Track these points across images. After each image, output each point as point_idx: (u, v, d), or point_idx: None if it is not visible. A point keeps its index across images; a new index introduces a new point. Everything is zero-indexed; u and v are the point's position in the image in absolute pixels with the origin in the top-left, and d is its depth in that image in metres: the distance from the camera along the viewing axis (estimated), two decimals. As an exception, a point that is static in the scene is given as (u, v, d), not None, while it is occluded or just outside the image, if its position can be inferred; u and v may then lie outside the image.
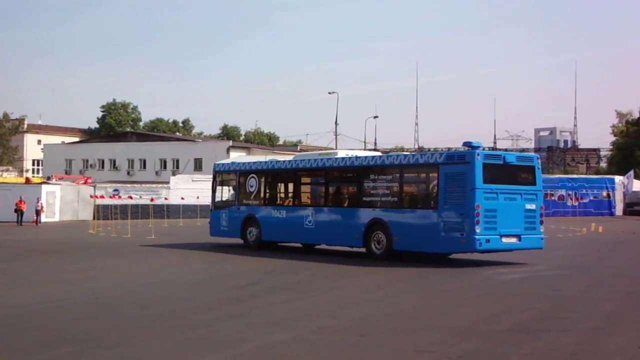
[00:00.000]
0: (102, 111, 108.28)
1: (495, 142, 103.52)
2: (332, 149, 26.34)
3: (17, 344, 9.37)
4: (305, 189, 23.58)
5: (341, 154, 22.67)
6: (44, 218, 43.19)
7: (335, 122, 64.00)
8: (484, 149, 18.68)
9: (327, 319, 11.07)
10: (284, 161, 24.43)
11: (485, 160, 17.97)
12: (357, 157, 21.61)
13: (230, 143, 77.91)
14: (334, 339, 9.64)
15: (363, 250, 20.31)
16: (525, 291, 14.30)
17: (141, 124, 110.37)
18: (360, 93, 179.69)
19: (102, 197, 44.65)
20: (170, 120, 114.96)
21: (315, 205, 22.19)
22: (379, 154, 25.10)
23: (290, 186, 23.82)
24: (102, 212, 42.58)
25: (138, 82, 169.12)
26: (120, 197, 45.55)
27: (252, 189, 23.80)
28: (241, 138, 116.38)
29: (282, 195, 24.19)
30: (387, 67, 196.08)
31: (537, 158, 19.86)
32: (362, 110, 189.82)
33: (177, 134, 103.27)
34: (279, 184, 24.40)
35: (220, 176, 25.25)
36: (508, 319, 11.11)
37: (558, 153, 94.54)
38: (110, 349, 9.10)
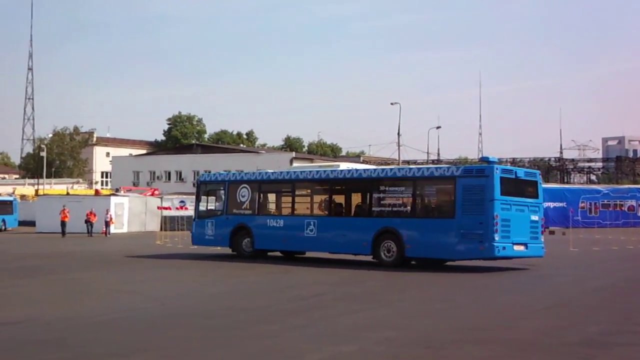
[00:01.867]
0: (168, 124, 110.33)
1: (561, 152, 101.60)
2: (336, 162, 27.20)
3: (87, 354, 9.58)
4: (306, 199, 24.54)
5: (343, 166, 24.05)
6: (112, 229, 44.17)
7: (398, 133, 63.71)
8: (499, 164, 20.89)
9: (392, 330, 11.00)
10: (281, 172, 24.82)
11: (502, 174, 19.74)
12: (365, 170, 23.42)
13: (293, 154, 78.45)
14: (399, 351, 9.58)
15: (368, 258, 21.75)
16: (593, 304, 13.98)
17: (206, 136, 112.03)
18: (423, 103, 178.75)
19: (168, 208, 45.34)
20: (235, 132, 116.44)
21: (318, 214, 23.32)
22: (372, 167, 26.21)
23: (288, 196, 24.38)
24: (169, 223, 43.30)
25: (203, 95, 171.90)
26: (186, 208, 46.15)
27: (243, 199, 24.64)
28: (304, 149, 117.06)
29: (279, 205, 24.93)
30: (449, 77, 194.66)
31: (539, 174, 21.94)
32: (425, 121, 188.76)
33: (241, 145, 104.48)
34: (276, 195, 25.28)
35: (205, 186, 26.13)
36: (576, 332, 10.86)
37: (627, 163, 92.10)
38: (176, 359, 9.25)
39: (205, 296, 15.58)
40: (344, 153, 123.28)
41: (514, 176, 20.23)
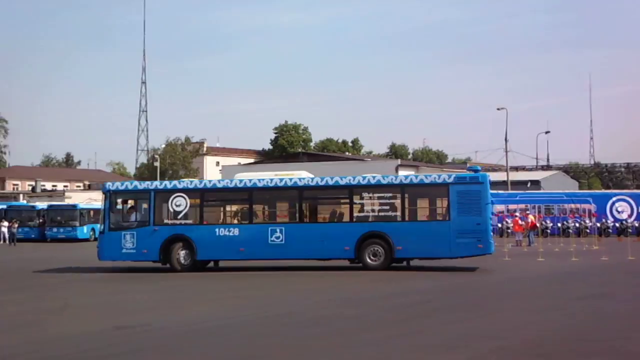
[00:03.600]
0: (275, 133, 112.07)
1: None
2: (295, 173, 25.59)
3: None
4: (267, 207, 24.31)
5: (304, 174, 24.16)
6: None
7: (505, 139, 62.40)
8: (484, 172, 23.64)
9: (500, 340, 10.90)
10: (231, 181, 23.94)
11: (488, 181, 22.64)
12: (342, 178, 23.37)
13: (399, 162, 78.26)
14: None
15: (341, 262, 22.86)
16: None
17: (312, 144, 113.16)
18: (531, 108, 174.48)
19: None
20: (340, 140, 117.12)
21: (287, 221, 23.32)
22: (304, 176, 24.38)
23: (243, 205, 23.85)
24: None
25: (308, 104, 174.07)
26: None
27: (179, 209, 23.31)
28: (409, 156, 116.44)
29: (230, 214, 24.48)
30: (557, 80, 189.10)
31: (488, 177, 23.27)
32: (533, 126, 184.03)
33: (347, 153, 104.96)
34: (225, 204, 24.65)
35: (117, 196, 23.85)
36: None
37: None
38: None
39: (310, 304, 15.76)
40: (449, 160, 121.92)
41: (489, 183, 22.89)
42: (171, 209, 23.37)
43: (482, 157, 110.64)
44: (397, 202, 22.71)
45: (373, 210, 22.79)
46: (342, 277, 21.25)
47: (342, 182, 23.19)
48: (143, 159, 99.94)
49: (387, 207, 22.73)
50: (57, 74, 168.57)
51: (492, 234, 22.58)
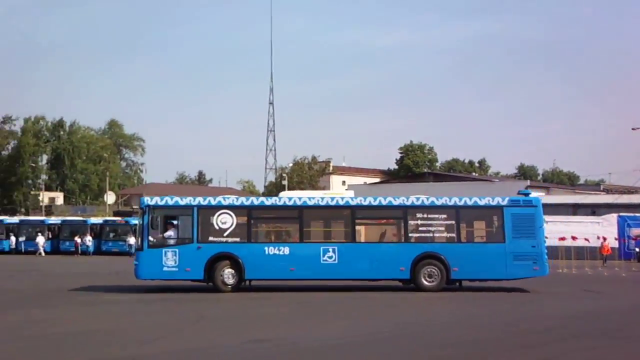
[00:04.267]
0: (401, 153, 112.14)
1: None
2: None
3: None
4: (318, 225, 23.90)
5: (351, 194, 24.06)
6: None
7: (643, 160, 59.71)
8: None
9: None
10: (280, 199, 23.75)
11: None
12: (395, 198, 23.40)
13: (528, 182, 76.38)
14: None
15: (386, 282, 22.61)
16: None
17: (437, 164, 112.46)
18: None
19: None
20: (466, 161, 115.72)
21: (340, 241, 22.90)
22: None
23: (292, 224, 23.34)
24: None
25: (434, 123, 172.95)
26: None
27: (225, 226, 22.53)
28: (538, 178, 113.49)
29: (280, 232, 23.99)
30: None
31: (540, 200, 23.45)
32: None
33: (473, 174, 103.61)
34: (274, 222, 24.27)
35: (157, 212, 22.63)
36: None
37: None
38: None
39: (437, 324, 15.76)
40: (582, 181, 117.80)
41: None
42: (216, 226, 22.56)
43: (617, 178, 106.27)
44: (452, 223, 22.80)
45: (427, 231, 22.78)
46: (424, 299, 20.98)
47: (396, 202, 23.25)
48: (271, 177, 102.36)
49: (442, 228, 22.79)
50: (189, 95, 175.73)
51: (546, 257, 22.76)
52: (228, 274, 22.24)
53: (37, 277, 30.54)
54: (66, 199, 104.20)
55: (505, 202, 22.76)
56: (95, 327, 15.11)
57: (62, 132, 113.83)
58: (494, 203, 22.84)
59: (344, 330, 14.57)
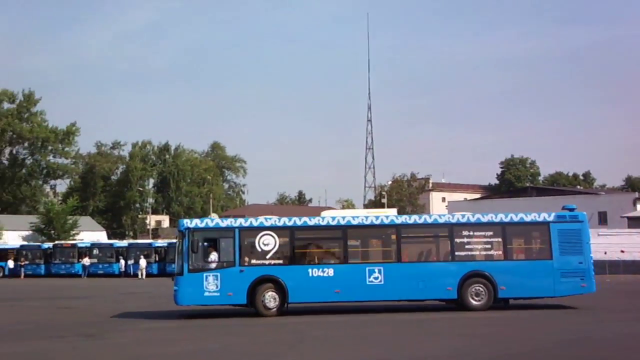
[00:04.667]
0: (501, 167, 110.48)
1: None
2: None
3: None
4: (362, 245, 23.28)
5: (394, 212, 23.78)
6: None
7: None
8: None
9: None
10: (323, 218, 22.90)
11: None
12: (441, 216, 23.68)
13: (636, 195, 73.65)
14: None
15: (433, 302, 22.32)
16: None
17: (540, 178, 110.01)
18: None
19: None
20: (570, 174, 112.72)
21: (386, 261, 22.37)
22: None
23: (336, 244, 22.82)
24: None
25: (535, 137, 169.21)
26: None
27: (267, 248, 21.89)
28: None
29: (324, 253, 23.16)
30: None
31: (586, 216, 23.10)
32: None
33: (578, 187, 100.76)
34: (317, 242, 23.38)
35: (196, 235, 21.66)
36: None
37: None
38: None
39: (550, 342, 15.53)
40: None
41: None
42: (259, 248, 21.91)
43: None
44: (498, 240, 22.48)
45: (474, 249, 22.48)
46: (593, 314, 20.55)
47: (441, 220, 23.15)
48: (370, 195, 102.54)
49: (489, 246, 22.52)
50: (289, 115, 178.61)
51: (593, 273, 22.44)
52: (269, 298, 21.62)
53: (144, 300, 31.55)
54: (172, 221, 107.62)
55: (551, 218, 22.50)
56: (216, 345, 15.84)
57: (167, 156, 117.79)
58: (540, 219, 22.61)
59: (465, 348, 14.61)
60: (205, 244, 21.94)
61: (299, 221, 22.75)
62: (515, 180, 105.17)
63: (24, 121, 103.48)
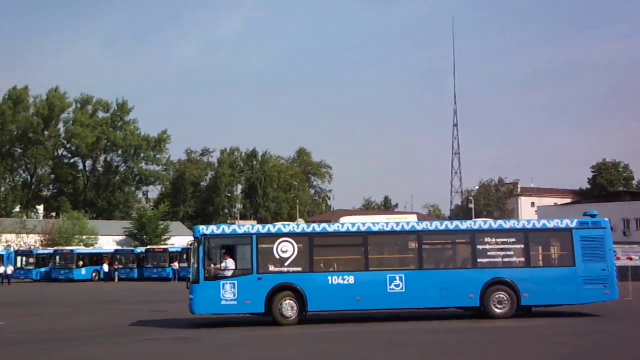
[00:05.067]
0: (593, 172, 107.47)
1: None
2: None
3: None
4: (383, 252, 22.96)
5: (414, 218, 23.03)
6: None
7: None
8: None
9: None
10: (343, 225, 22.31)
11: None
12: (462, 222, 22.98)
13: None
14: None
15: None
16: None
17: (634, 182, 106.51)
18: None
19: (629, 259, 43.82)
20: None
21: (407, 268, 21.94)
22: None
23: (356, 251, 22.15)
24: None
25: (628, 140, 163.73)
26: (618, 258, 44.30)
27: (285, 255, 21.39)
28: None
29: (344, 260, 22.45)
30: None
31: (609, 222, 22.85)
32: None
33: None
34: (337, 249, 22.56)
35: (211, 241, 21.33)
36: None
37: None
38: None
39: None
40: None
41: None
42: (277, 256, 21.42)
43: None
44: (521, 247, 22.15)
45: (496, 256, 22.07)
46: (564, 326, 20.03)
47: (463, 227, 22.51)
48: (457, 200, 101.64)
49: (511, 253, 22.18)
50: (373, 120, 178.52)
51: (616, 280, 22.31)
52: (287, 306, 21.13)
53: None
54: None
55: (574, 225, 22.23)
56: (306, 350, 16.18)
57: (255, 162, 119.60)
58: (563, 225, 22.37)
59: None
60: (222, 251, 21.64)
61: (318, 228, 22.82)
62: (607, 185, 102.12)
63: (118, 129, 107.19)
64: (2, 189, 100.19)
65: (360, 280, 21.42)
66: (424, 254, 22.19)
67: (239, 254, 21.59)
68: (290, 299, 21.16)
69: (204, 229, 21.45)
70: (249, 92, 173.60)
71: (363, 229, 22.03)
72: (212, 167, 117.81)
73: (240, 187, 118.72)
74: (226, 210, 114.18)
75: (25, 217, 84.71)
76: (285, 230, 21.88)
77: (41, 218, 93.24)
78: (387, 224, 22.32)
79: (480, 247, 22.00)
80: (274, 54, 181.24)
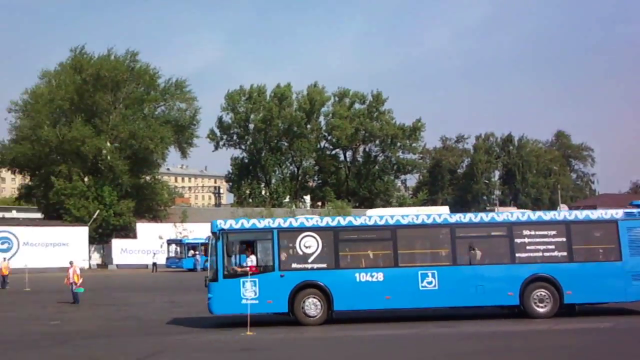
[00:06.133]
0: None
1: None
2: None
3: None
4: (414, 247, 21.53)
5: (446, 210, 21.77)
6: None
7: None
8: None
9: None
10: (370, 218, 20.93)
11: None
12: (498, 214, 21.75)
13: None
14: None
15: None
16: None
17: None
18: None
19: None
20: None
21: (440, 264, 20.53)
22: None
23: (384, 246, 20.81)
24: None
25: None
26: None
27: (309, 250, 20.19)
28: None
29: (371, 256, 20.98)
30: None
31: None
32: None
33: None
34: (363, 244, 21.11)
35: (229, 236, 20.07)
36: None
37: None
38: None
39: None
40: None
41: None
42: (299, 251, 20.36)
43: None
44: (563, 240, 20.44)
45: (536, 250, 20.44)
46: None
47: (500, 219, 21.02)
48: None
49: (552, 247, 20.45)
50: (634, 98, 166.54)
51: None
52: (310, 305, 20.04)
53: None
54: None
55: (620, 216, 20.58)
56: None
57: (511, 147, 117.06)
58: (608, 217, 20.74)
59: None
60: (242, 247, 20.69)
61: (343, 221, 21.21)
62: None
63: (374, 120, 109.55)
64: (273, 180, 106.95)
65: (389, 277, 20.18)
66: (457, 249, 20.69)
67: (259, 250, 20.84)
68: (314, 297, 20.09)
69: (221, 223, 20.45)
70: (501, 76, 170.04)
71: (391, 222, 20.70)
72: (468, 153, 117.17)
73: (497, 173, 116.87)
74: (484, 197, 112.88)
75: (294, 207, 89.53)
76: (308, 224, 20.72)
77: (308, 207, 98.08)
78: (417, 216, 20.93)
79: (518, 240, 20.52)
80: (525, 35, 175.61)
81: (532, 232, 20.59)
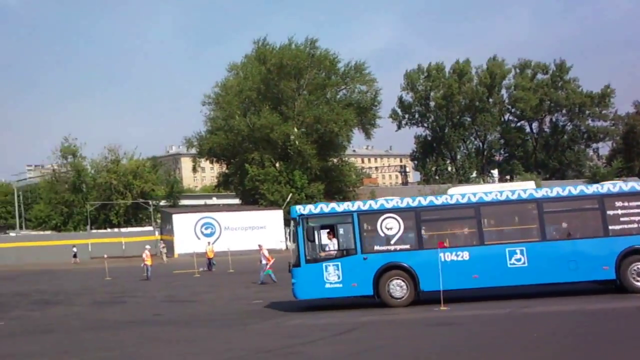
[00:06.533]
0: None
1: None
2: None
3: None
4: (499, 224, 21.19)
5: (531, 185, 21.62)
6: None
7: None
8: None
9: None
10: (451, 197, 20.59)
11: None
12: (587, 186, 21.04)
13: None
14: None
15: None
16: None
17: None
18: None
19: None
20: None
21: (528, 240, 20.05)
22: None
23: (469, 224, 20.60)
24: None
25: None
26: None
27: (391, 232, 20.17)
28: None
29: (456, 235, 20.94)
30: None
31: None
32: None
33: None
34: (446, 223, 21.03)
35: (311, 221, 20.29)
36: None
37: None
38: None
39: None
40: None
41: None
42: (381, 233, 20.29)
43: None
44: None
45: (631, 222, 19.65)
46: None
47: (589, 191, 20.28)
48: None
49: None
50: None
51: None
52: (395, 286, 19.98)
53: None
54: None
55: None
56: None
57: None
58: None
59: None
60: (322, 231, 20.66)
61: (424, 201, 20.80)
62: None
63: (559, 89, 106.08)
64: (458, 156, 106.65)
65: (475, 256, 19.93)
66: (545, 224, 20.19)
67: (340, 234, 20.81)
68: (399, 279, 20.04)
69: (300, 209, 20.76)
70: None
71: (474, 199, 20.36)
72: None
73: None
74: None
75: (482, 182, 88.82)
76: (389, 205, 20.61)
77: (496, 182, 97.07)
78: (501, 192, 20.58)
79: (610, 212, 19.78)
80: None
81: (626, 204, 19.95)
